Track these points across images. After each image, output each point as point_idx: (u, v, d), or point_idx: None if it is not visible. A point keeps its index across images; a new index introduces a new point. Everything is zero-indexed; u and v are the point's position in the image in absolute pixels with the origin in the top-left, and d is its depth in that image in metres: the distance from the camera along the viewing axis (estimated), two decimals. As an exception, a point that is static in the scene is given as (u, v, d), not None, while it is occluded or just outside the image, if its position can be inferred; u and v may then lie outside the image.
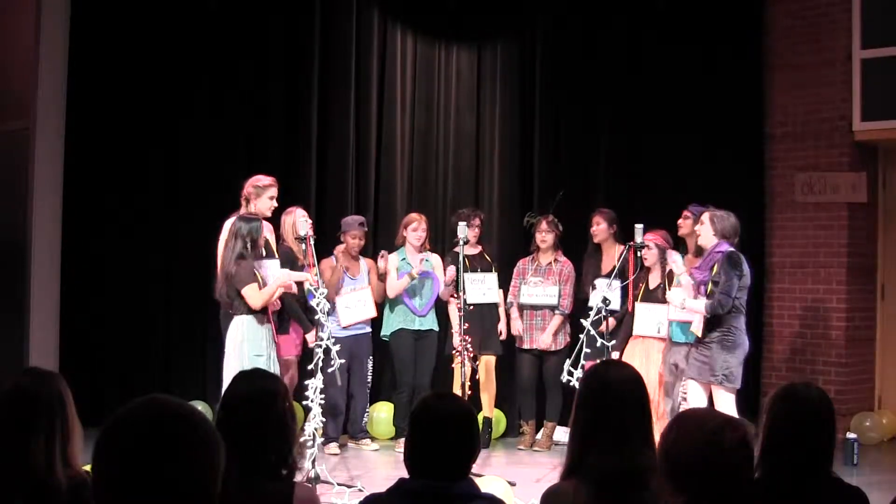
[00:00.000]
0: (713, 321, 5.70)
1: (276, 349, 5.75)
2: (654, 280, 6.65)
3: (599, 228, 7.08)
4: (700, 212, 6.40)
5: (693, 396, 5.83)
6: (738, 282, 5.66)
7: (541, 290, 7.15)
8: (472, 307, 6.93)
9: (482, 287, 7.12)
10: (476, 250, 7.26)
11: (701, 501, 2.07)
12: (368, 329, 7.11)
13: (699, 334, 5.79)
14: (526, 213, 7.66)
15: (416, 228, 7.11)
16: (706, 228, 5.84)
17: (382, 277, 7.06)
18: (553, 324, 7.13)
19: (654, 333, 6.55)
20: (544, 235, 7.18)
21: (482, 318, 7.11)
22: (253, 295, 5.48)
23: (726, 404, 5.59)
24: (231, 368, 5.43)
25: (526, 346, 7.21)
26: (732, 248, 5.75)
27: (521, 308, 7.22)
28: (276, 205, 6.10)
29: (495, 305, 7.25)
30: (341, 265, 6.92)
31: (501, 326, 7.24)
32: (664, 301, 6.30)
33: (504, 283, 7.33)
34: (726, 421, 2.15)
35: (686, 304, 5.94)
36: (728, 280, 5.63)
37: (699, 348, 5.81)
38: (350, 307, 6.92)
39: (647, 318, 6.61)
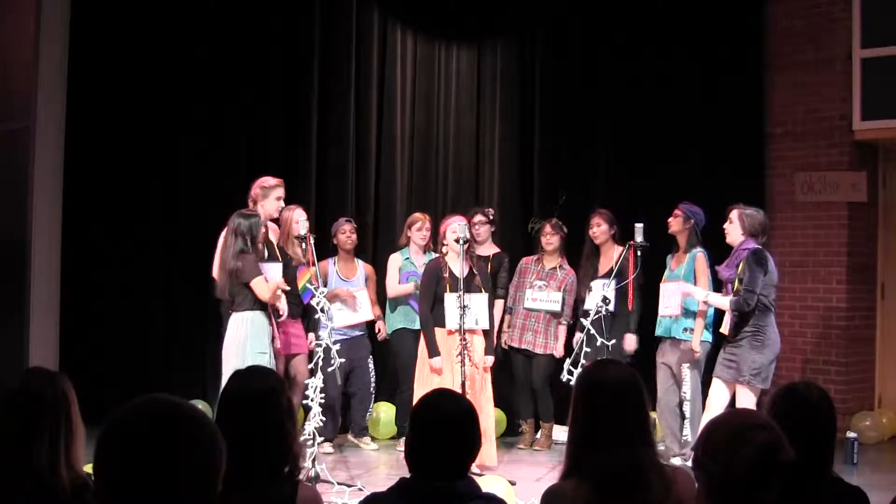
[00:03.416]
0: (742, 320, 5.70)
1: (277, 347, 5.75)
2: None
3: (600, 230, 6.97)
4: (690, 210, 6.41)
5: (715, 394, 5.83)
6: (762, 278, 5.64)
7: (545, 294, 7.12)
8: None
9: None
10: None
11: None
12: (363, 332, 7.09)
13: (726, 333, 5.79)
14: (530, 219, 7.65)
15: (420, 228, 7.09)
16: (735, 226, 5.84)
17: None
18: (561, 332, 7.13)
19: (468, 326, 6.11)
20: (549, 238, 7.15)
21: None
22: (261, 287, 5.51)
23: (747, 404, 5.58)
24: (231, 366, 5.43)
25: (514, 343, 7.19)
26: (758, 246, 5.75)
27: (520, 308, 7.20)
28: (283, 205, 6.12)
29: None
30: (328, 267, 6.92)
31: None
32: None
33: (505, 283, 7.31)
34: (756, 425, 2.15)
35: (709, 300, 5.94)
36: (752, 276, 5.62)
37: (728, 347, 5.80)
38: (343, 309, 6.90)
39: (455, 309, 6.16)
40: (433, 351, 6.22)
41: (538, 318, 7.13)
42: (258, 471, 2.47)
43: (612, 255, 6.88)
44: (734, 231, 5.85)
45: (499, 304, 7.16)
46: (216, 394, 5.72)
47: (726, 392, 5.78)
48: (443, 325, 6.22)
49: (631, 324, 6.83)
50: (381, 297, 7.21)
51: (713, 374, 5.94)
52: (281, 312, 5.77)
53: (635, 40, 8.21)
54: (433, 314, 6.28)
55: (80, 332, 7.00)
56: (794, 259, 8.08)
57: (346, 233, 6.98)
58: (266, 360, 5.40)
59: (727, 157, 8.09)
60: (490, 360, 6.37)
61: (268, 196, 6.01)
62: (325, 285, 6.86)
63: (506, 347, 7.25)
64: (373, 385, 7.11)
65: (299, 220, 6.22)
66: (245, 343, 5.49)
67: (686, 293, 6.15)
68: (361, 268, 7.12)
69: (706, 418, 5.81)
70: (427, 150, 8.04)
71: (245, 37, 7.35)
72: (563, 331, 7.16)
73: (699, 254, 6.32)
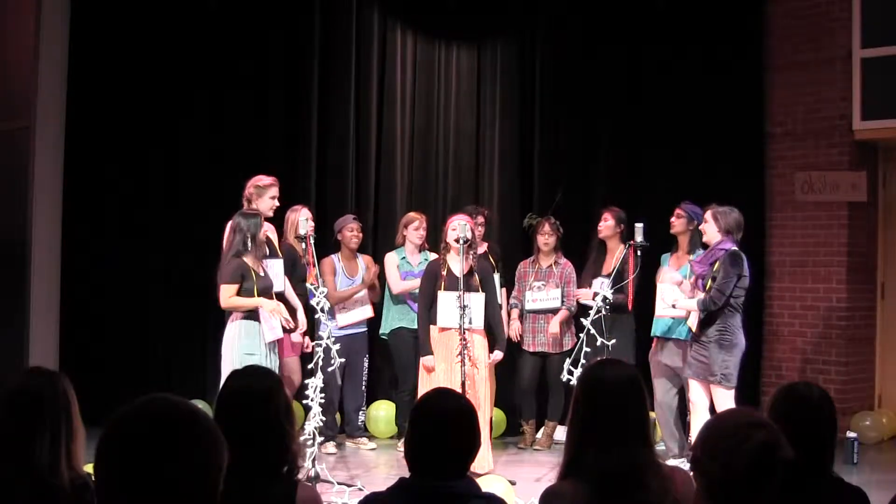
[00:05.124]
0: (709, 319, 5.73)
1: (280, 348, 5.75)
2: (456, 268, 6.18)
3: (606, 225, 6.96)
4: (692, 210, 6.42)
5: (695, 396, 5.85)
6: (736, 281, 5.68)
7: (544, 294, 7.12)
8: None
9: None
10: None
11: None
12: (365, 328, 7.11)
13: (693, 328, 5.81)
14: (526, 214, 7.63)
15: (417, 227, 7.08)
16: (710, 225, 5.87)
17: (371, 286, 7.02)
18: (559, 315, 7.08)
19: (456, 325, 5.98)
20: (547, 238, 7.14)
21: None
22: (225, 294, 5.48)
23: (726, 404, 5.60)
24: (225, 367, 5.45)
25: (528, 348, 7.19)
26: (735, 247, 5.77)
27: (525, 312, 7.19)
28: (277, 204, 6.11)
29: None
30: (333, 263, 6.91)
31: (507, 331, 6.92)
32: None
33: (505, 283, 7.29)
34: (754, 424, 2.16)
35: (678, 304, 5.96)
36: (726, 278, 5.66)
37: (696, 347, 5.83)
38: (346, 307, 6.90)
39: (449, 307, 6.05)
40: (425, 350, 6.18)
41: (546, 319, 7.13)
42: (257, 470, 2.46)
43: (615, 253, 6.89)
44: (710, 230, 5.90)
45: (503, 292, 7.15)
46: (216, 393, 5.74)
47: (704, 392, 5.82)
48: (435, 322, 6.18)
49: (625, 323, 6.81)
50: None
51: (685, 374, 5.97)
52: (285, 324, 5.73)
53: (635, 40, 8.20)
54: (429, 312, 6.25)
55: (80, 332, 7.00)
56: (794, 259, 8.08)
57: (352, 231, 6.98)
58: (255, 361, 5.36)
59: (727, 156, 8.09)
60: (498, 355, 6.29)
61: (262, 195, 6.02)
62: (334, 277, 6.89)
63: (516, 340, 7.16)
64: (364, 384, 7.11)
65: (299, 220, 6.23)
66: (234, 343, 5.49)
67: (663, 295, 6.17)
68: (362, 264, 7.11)
69: (694, 420, 5.84)
70: (427, 150, 8.04)
71: (245, 37, 7.35)
72: (564, 313, 7.08)
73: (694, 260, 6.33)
